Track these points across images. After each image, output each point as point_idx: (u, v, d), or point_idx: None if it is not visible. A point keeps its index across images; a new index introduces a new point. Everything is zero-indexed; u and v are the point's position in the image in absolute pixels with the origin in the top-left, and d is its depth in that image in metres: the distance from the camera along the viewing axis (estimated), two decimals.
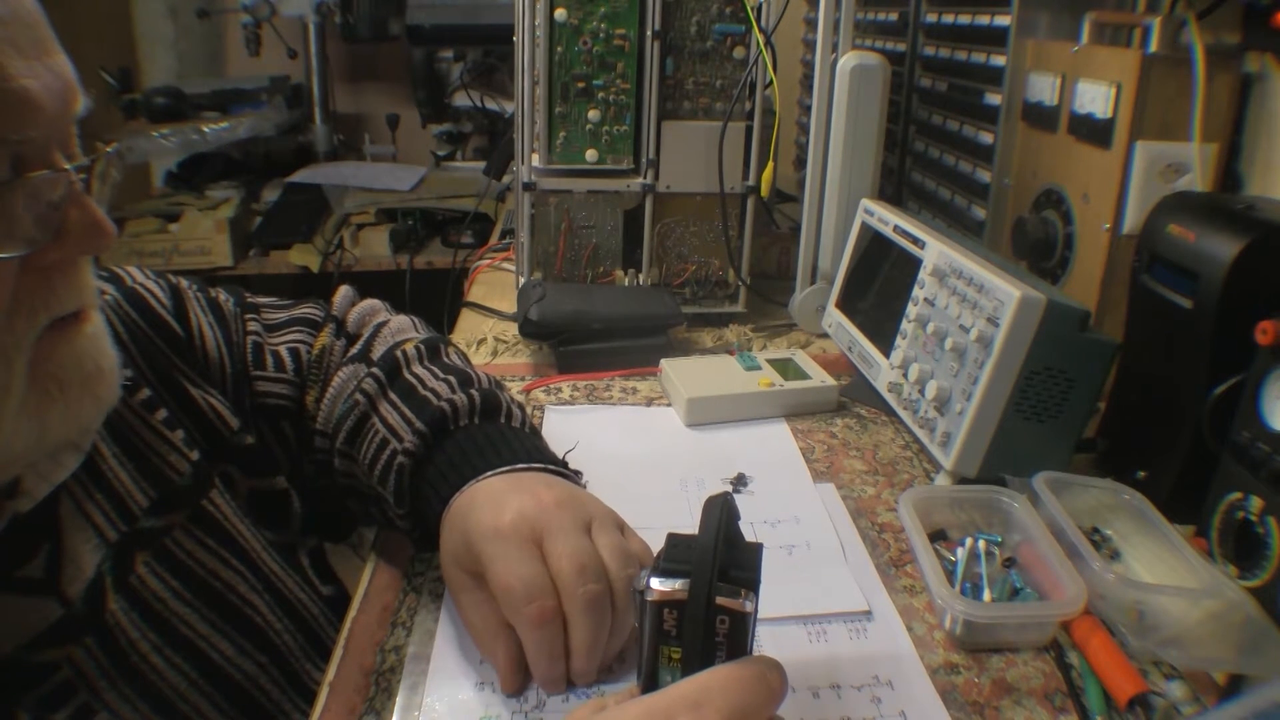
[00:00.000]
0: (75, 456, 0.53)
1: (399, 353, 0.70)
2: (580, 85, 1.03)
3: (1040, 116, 0.95)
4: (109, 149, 0.48)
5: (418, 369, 0.70)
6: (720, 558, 0.43)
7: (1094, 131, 0.86)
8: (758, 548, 0.45)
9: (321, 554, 0.76)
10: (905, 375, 0.81)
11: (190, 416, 0.64)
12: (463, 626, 0.59)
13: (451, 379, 0.68)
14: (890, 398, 0.85)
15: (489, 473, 0.60)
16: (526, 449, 0.63)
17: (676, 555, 0.44)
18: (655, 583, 0.43)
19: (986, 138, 1.04)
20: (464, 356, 0.75)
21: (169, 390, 0.64)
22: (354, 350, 0.74)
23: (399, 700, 0.54)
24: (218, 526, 0.62)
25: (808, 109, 1.28)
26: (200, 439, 0.64)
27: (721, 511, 0.44)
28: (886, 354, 0.87)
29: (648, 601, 0.43)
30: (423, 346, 0.71)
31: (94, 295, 0.50)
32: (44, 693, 0.51)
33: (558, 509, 0.55)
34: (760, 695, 0.40)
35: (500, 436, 0.63)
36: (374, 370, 0.69)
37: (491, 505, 0.56)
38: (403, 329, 0.77)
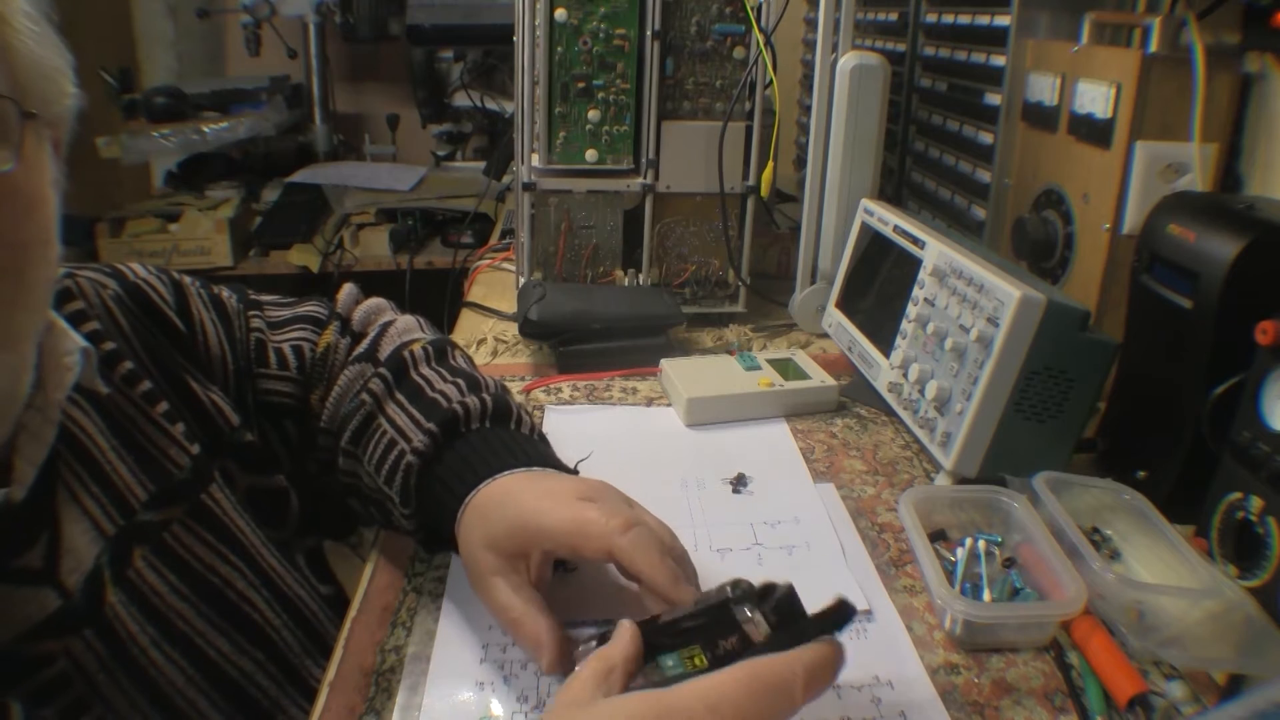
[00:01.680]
0: (49, 429, 0.53)
1: (406, 353, 0.70)
2: (580, 85, 1.03)
3: (1040, 116, 0.95)
4: None
5: (425, 370, 0.69)
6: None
7: (1094, 131, 0.86)
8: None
9: (319, 554, 0.76)
10: (905, 375, 0.81)
11: (191, 411, 0.64)
12: (462, 626, 0.59)
13: (460, 382, 0.67)
14: (890, 398, 0.85)
15: (506, 472, 0.59)
16: (540, 454, 0.63)
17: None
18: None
19: (986, 138, 1.04)
20: (469, 359, 0.75)
21: (170, 384, 0.64)
22: (360, 349, 0.73)
23: (399, 700, 0.54)
24: (217, 522, 0.62)
25: (808, 109, 1.28)
26: (201, 433, 0.64)
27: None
28: (886, 354, 0.87)
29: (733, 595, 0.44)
30: (430, 348, 0.71)
31: None
32: (39, 684, 0.51)
33: (606, 488, 0.56)
34: (775, 706, 0.41)
35: (514, 441, 0.63)
36: (381, 370, 0.69)
37: (533, 490, 0.56)
38: (409, 329, 0.76)
